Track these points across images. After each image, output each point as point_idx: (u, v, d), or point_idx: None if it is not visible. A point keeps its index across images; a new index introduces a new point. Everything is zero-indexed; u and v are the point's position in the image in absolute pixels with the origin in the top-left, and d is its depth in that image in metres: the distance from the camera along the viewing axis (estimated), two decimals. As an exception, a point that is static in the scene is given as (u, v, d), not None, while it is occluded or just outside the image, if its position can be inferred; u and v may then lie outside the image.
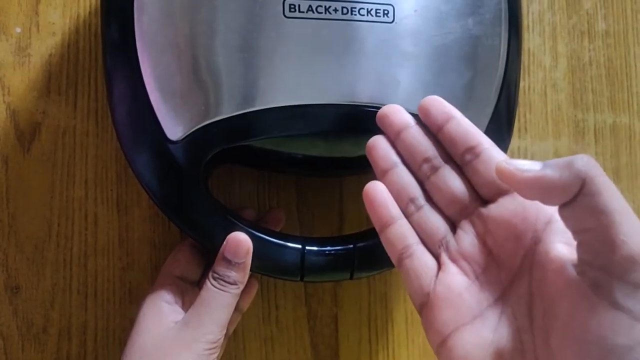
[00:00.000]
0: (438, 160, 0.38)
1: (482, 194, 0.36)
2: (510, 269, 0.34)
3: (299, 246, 0.45)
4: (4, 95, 0.50)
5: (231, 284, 0.43)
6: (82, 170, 0.51)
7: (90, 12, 0.51)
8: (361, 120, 0.43)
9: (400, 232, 0.37)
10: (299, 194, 0.53)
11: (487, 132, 0.47)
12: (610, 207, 0.28)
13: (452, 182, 0.37)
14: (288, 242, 0.45)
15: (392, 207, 0.37)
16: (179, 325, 0.42)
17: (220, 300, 0.42)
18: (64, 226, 0.50)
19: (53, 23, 0.51)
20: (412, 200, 0.37)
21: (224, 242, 0.43)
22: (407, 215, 0.37)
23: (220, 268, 0.43)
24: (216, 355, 0.43)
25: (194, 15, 0.42)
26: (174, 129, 0.42)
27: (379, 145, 0.39)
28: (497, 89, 0.47)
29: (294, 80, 0.43)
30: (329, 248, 0.45)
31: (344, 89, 0.43)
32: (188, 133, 0.42)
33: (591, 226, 0.29)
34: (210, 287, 0.42)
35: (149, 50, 0.42)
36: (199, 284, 0.46)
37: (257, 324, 0.52)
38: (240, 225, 0.44)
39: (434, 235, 0.37)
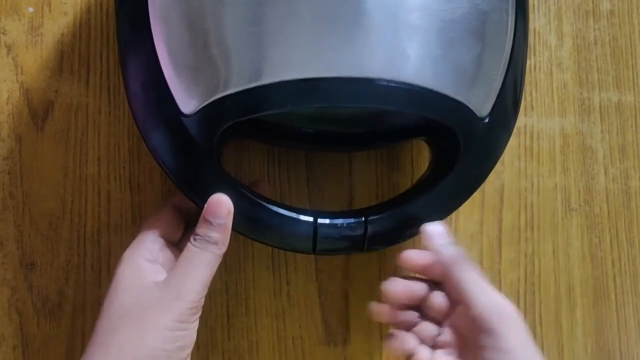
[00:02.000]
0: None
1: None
2: (470, 344, 0.45)
3: (311, 219, 0.45)
4: (17, 74, 0.51)
5: (212, 243, 0.43)
6: (94, 148, 0.51)
7: (101, -8, 0.52)
8: (371, 93, 0.44)
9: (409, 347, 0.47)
10: (308, 170, 0.54)
11: (495, 108, 0.47)
12: (466, 286, 0.44)
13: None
14: (300, 215, 0.45)
15: (410, 340, 0.47)
16: (160, 285, 0.42)
17: (202, 259, 0.42)
18: (78, 203, 0.51)
19: (65, 2, 0.51)
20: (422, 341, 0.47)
21: (205, 204, 0.43)
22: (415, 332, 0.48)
23: (201, 229, 0.43)
24: (197, 316, 0.42)
25: (206, -11, 0.43)
26: (188, 103, 0.43)
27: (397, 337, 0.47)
28: (505, 64, 0.47)
29: (304, 53, 0.43)
30: (341, 221, 0.46)
31: (354, 62, 0.43)
32: (201, 106, 0.43)
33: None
34: (191, 248, 0.43)
35: (162, 24, 0.42)
36: (177, 246, 0.46)
37: (269, 299, 0.53)
38: (253, 198, 0.44)
39: (430, 337, 0.47)
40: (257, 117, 0.44)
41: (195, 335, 0.42)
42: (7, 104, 0.50)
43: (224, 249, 0.44)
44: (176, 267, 0.42)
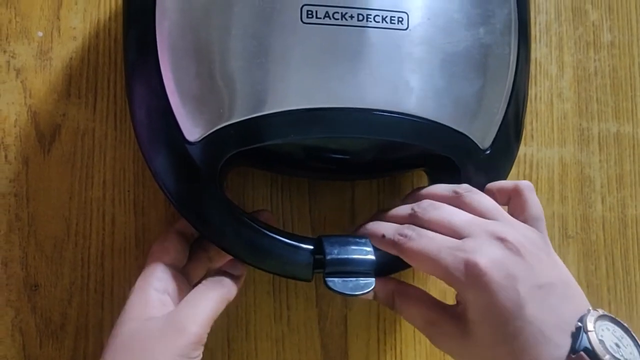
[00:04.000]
0: None
1: None
2: None
3: (313, 247, 0.46)
4: (25, 97, 0.51)
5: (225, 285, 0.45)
6: (100, 172, 0.52)
7: (110, 17, 0.53)
8: (373, 124, 0.45)
9: None
10: (311, 197, 0.54)
11: (496, 139, 0.48)
12: None
13: None
14: (302, 243, 0.46)
15: None
16: (166, 317, 0.41)
17: (210, 295, 0.43)
18: (82, 226, 0.51)
19: (74, 28, 0.52)
20: None
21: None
22: None
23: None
24: (200, 351, 0.41)
25: (213, 20, 0.43)
26: (192, 131, 0.43)
27: None
28: (507, 97, 0.48)
29: (308, 84, 0.44)
30: (342, 249, 0.46)
31: (357, 93, 0.44)
32: (206, 135, 0.43)
33: None
34: (203, 283, 0.44)
35: (169, 54, 0.43)
36: (183, 271, 0.46)
37: (269, 324, 0.54)
38: (255, 226, 0.45)
39: None
40: (261, 146, 0.44)
41: None
42: (15, 126, 0.51)
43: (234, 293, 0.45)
44: (185, 300, 0.42)
